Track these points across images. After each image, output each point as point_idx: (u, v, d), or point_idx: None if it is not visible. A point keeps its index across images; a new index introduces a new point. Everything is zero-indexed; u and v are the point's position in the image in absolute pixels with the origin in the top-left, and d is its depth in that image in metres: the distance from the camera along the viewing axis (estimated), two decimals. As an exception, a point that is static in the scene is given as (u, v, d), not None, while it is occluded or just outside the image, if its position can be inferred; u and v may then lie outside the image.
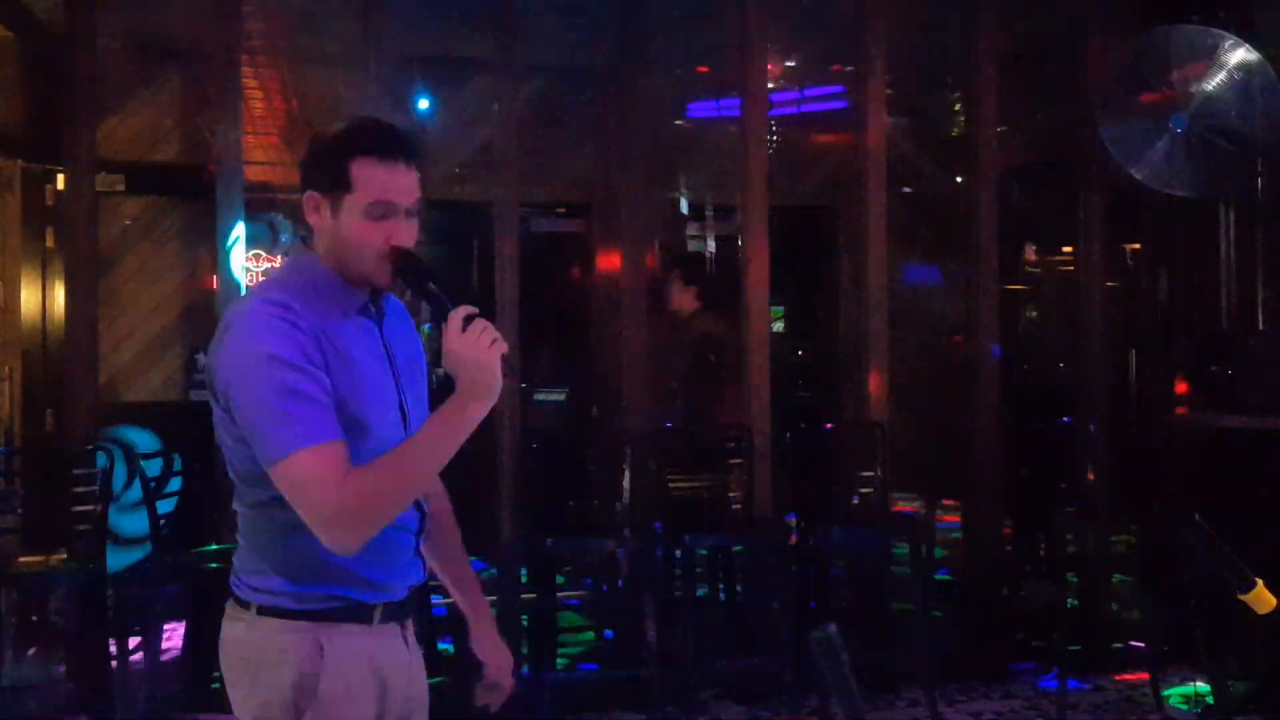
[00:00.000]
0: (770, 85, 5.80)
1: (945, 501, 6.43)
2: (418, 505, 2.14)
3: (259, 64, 7.02)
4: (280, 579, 2.02)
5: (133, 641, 4.80)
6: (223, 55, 5.16)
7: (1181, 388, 5.96)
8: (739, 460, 5.48)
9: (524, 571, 5.27)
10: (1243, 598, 2.05)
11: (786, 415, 5.69)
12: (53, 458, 5.31)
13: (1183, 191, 5.22)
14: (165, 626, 5.08)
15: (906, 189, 8.23)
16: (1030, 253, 8.11)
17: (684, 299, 6.02)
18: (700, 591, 5.69)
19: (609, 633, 5.67)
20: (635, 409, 5.45)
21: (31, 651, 5.24)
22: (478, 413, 1.92)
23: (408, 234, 2.02)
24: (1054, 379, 7.36)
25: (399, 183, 2.00)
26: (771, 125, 5.70)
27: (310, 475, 1.90)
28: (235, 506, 2.10)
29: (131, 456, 5.43)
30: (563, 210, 8.22)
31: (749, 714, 5.07)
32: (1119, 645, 5.71)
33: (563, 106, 7.65)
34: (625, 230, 5.51)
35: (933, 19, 6.70)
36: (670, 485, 5.46)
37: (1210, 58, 5.08)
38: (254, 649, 2.03)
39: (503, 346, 1.91)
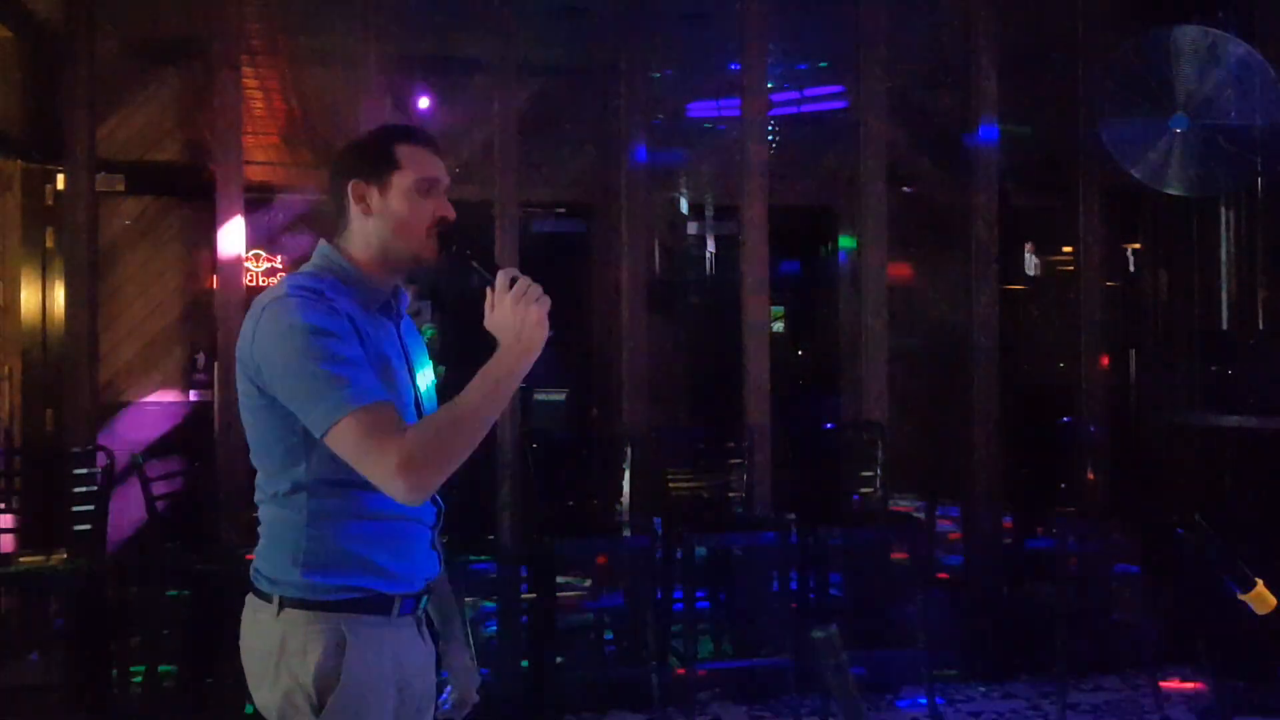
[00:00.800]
0: (770, 85, 5.79)
1: (945, 502, 6.43)
2: (434, 500, 2.18)
3: (259, 64, 7.02)
4: (302, 570, 2.06)
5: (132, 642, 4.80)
6: (223, 55, 5.17)
7: (1181, 388, 5.97)
8: (739, 460, 5.48)
9: (524, 571, 5.27)
10: (1243, 598, 2.04)
11: (787, 415, 5.68)
12: (53, 458, 5.31)
13: (1183, 191, 5.22)
14: (165, 627, 5.07)
15: (906, 189, 8.23)
16: (1030, 249, 8.10)
17: None
18: (700, 591, 5.69)
19: (609, 633, 5.67)
20: (635, 409, 5.45)
21: (31, 652, 5.24)
22: (526, 365, 2.04)
23: (449, 209, 2.17)
24: (1054, 379, 7.35)
25: (438, 163, 2.18)
26: (771, 125, 5.68)
27: (371, 430, 1.94)
28: (258, 498, 2.14)
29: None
30: (563, 210, 8.22)
31: (749, 714, 5.07)
32: (1119, 645, 5.71)
33: (563, 106, 7.65)
34: (625, 230, 5.50)
35: (933, 19, 6.71)
36: (670, 485, 5.46)
37: (1210, 58, 5.08)
38: (277, 640, 2.06)
39: (547, 302, 2.02)
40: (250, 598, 2.13)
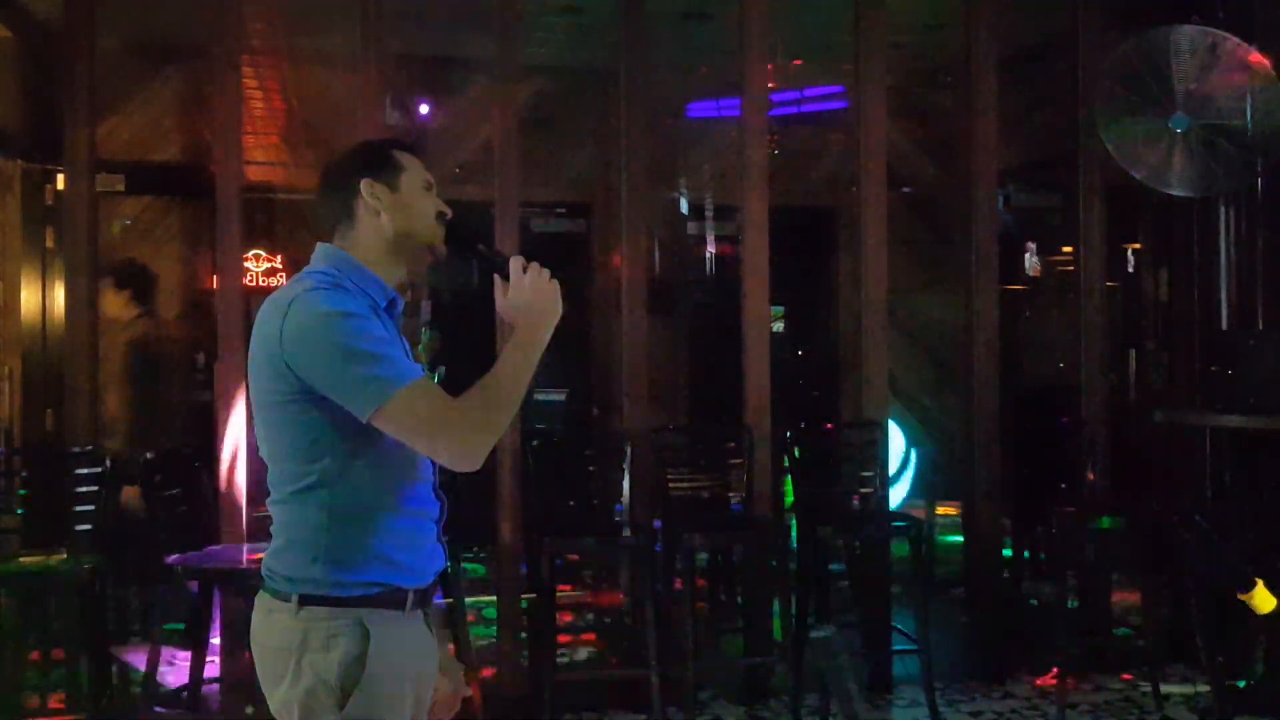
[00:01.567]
0: (770, 85, 5.79)
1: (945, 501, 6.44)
2: (437, 494, 2.24)
3: (259, 64, 7.03)
4: (323, 567, 2.09)
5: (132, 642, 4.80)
6: (223, 55, 5.16)
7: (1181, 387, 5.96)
8: (739, 460, 5.48)
9: (524, 571, 5.27)
10: (1243, 598, 2.05)
11: (786, 415, 5.68)
12: (53, 458, 5.31)
13: (1183, 191, 5.21)
14: (164, 627, 5.07)
15: (906, 189, 8.23)
16: (1030, 249, 8.09)
17: (116, 305, 6.35)
18: (700, 591, 5.69)
19: (608, 633, 5.67)
20: (635, 409, 5.45)
21: (31, 652, 5.23)
22: (548, 333, 2.19)
23: (446, 207, 2.30)
24: (1054, 379, 7.35)
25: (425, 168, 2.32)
26: (771, 125, 5.68)
27: (423, 402, 2.04)
28: (274, 498, 2.16)
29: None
30: (563, 210, 8.22)
31: (749, 714, 5.07)
32: (1119, 645, 5.71)
33: (563, 106, 7.65)
34: (625, 230, 5.50)
35: (933, 19, 6.71)
36: (670, 485, 5.46)
37: (1210, 58, 5.08)
38: (297, 637, 2.08)
39: (557, 283, 2.19)
40: (263, 596, 2.16)
